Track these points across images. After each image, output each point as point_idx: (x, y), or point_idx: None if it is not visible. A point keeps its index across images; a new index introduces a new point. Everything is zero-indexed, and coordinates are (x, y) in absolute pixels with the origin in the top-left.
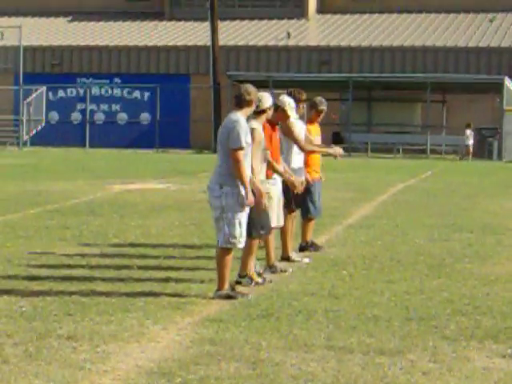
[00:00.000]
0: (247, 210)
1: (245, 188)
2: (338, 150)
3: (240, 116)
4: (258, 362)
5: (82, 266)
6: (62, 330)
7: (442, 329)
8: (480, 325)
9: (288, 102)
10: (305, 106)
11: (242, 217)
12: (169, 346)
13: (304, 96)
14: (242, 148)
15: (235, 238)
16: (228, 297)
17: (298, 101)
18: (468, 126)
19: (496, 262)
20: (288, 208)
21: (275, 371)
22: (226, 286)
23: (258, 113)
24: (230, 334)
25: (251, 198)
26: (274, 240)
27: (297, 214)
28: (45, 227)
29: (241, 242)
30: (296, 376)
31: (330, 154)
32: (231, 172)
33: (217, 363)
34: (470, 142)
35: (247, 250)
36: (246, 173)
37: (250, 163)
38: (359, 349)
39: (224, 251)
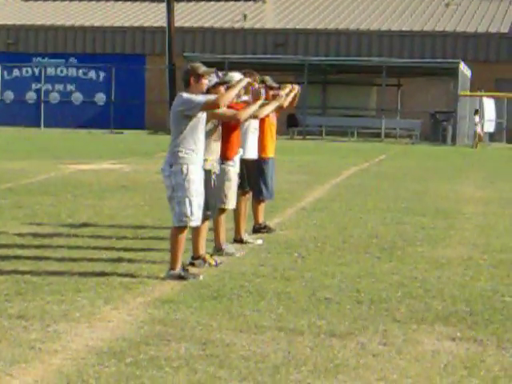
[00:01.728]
0: (200, 189)
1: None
2: (286, 90)
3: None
4: (208, 343)
5: (35, 246)
6: (12, 310)
7: (392, 312)
8: (430, 308)
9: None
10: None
11: (192, 195)
12: (119, 326)
13: (256, 77)
14: (206, 101)
15: (186, 216)
16: (179, 277)
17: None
18: (476, 112)
19: (447, 246)
20: (242, 189)
21: (225, 352)
22: (178, 266)
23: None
24: (181, 315)
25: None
26: (224, 222)
27: (249, 195)
28: None
29: (192, 221)
30: (246, 357)
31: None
32: (179, 151)
33: (167, 343)
34: (479, 128)
35: (196, 231)
36: (229, 93)
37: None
38: (310, 331)
39: (176, 230)
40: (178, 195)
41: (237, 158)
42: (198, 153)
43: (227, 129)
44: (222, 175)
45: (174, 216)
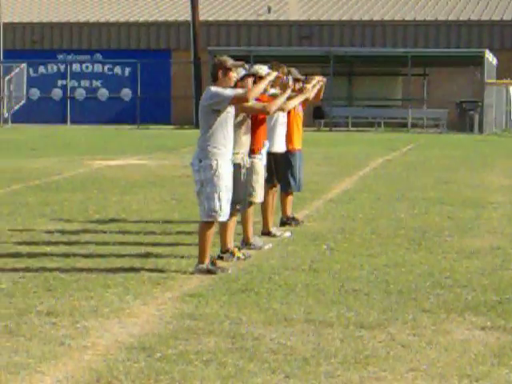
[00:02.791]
0: (229, 184)
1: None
2: (312, 83)
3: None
4: (237, 337)
5: (63, 243)
6: (41, 306)
7: (421, 302)
8: (460, 297)
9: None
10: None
11: (221, 190)
12: (148, 321)
13: (284, 69)
14: (235, 95)
15: (215, 211)
16: (208, 271)
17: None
18: None
19: (476, 235)
20: (269, 182)
21: (255, 345)
22: (207, 260)
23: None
24: (210, 309)
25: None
26: (252, 216)
27: (277, 188)
28: (25, 204)
29: (221, 216)
30: (275, 350)
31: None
32: (209, 145)
33: (196, 338)
34: None
35: (224, 225)
36: (258, 87)
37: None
38: (339, 322)
39: (205, 225)
40: (207, 190)
41: (264, 151)
42: (228, 147)
43: (253, 122)
44: (250, 169)
45: (203, 211)
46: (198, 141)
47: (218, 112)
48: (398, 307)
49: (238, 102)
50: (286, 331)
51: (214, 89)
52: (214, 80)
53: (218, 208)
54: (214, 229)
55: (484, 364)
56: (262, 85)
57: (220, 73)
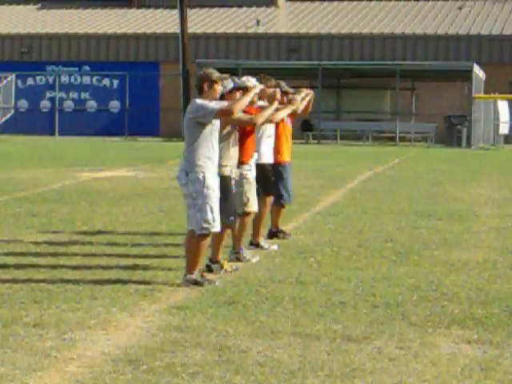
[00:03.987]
0: (217, 194)
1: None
2: (301, 95)
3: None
4: (224, 349)
5: (50, 254)
6: (28, 318)
7: (408, 315)
8: (447, 311)
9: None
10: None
11: (213, 201)
12: (135, 333)
13: (272, 82)
14: (220, 109)
15: (209, 223)
16: (196, 283)
17: (266, 87)
18: None
19: (463, 249)
20: (264, 193)
21: (241, 358)
22: (196, 271)
23: (221, 98)
24: (197, 321)
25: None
26: (248, 226)
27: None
28: (12, 215)
29: (214, 227)
30: (262, 363)
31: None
32: (195, 158)
33: (183, 350)
34: None
35: (217, 236)
36: (243, 100)
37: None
38: (326, 335)
39: (199, 237)
40: (199, 203)
41: (252, 162)
42: (213, 160)
43: (242, 133)
44: (241, 179)
45: (196, 223)
46: (183, 153)
47: (203, 125)
48: (385, 320)
49: (224, 114)
50: (273, 344)
51: (199, 101)
52: (200, 92)
53: (211, 219)
54: (209, 240)
55: (470, 378)
56: (247, 98)
57: (205, 85)
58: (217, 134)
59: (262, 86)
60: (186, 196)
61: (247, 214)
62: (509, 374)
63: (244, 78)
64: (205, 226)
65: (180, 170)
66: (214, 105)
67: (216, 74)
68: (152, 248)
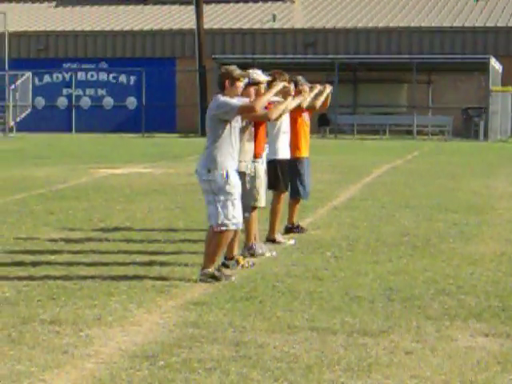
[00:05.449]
0: (239, 190)
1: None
2: (314, 91)
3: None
4: (241, 344)
5: (67, 251)
6: (45, 315)
7: (425, 309)
8: (463, 304)
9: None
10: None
11: (235, 198)
12: (152, 330)
13: (286, 77)
14: (242, 106)
15: (229, 219)
16: (213, 277)
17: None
18: None
19: (480, 242)
20: (278, 189)
21: (258, 353)
22: (212, 266)
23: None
24: (214, 317)
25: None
26: (256, 221)
27: (285, 195)
28: (30, 212)
29: (235, 224)
30: (279, 358)
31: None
32: (217, 155)
33: (200, 346)
34: None
35: (232, 233)
36: (264, 97)
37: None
38: (342, 330)
39: (219, 233)
40: (221, 199)
41: (264, 155)
42: (235, 156)
43: (254, 127)
44: (254, 173)
45: (216, 219)
46: (205, 150)
47: (225, 122)
48: (402, 314)
49: (246, 111)
50: (290, 339)
51: (221, 98)
52: (221, 89)
53: (232, 216)
54: (230, 236)
55: (487, 371)
56: (270, 94)
57: (227, 82)
58: (238, 130)
59: (284, 83)
60: (207, 192)
61: (254, 208)
62: None
63: (251, 71)
64: (225, 222)
65: (201, 166)
66: (236, 102)
67: (237, 72)
68: (169, 244)
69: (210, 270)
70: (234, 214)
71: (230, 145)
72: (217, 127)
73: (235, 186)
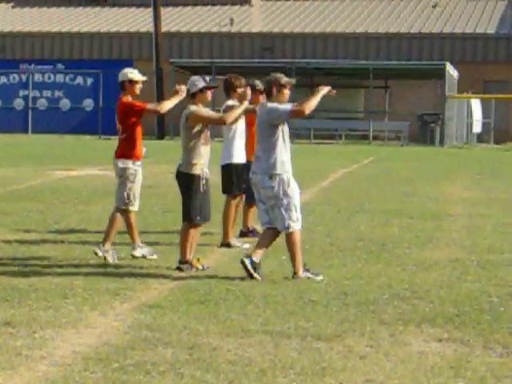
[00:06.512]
0: (297, 194)
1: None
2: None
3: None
4: (195, 348)
5: (22, 253)
6: None
7: (379, 313)
8: (417, 309)
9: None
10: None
11: (296, 200)
12: (106, 332)
13: (242, 82)
14: (292, 110)
15: (294, 221)
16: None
17: (236, 86)
18: None
19: (435, 247)
20: (231, 193)
21: (212, 356)
22: (301, 267)
23: (192, 96)
24: (168, 320)
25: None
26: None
27: (239, 199)
28: None
29: (299, 225)
30: (233, 361)
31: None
32: (276, 161)
33: (154, 348)
34: None
35: (184, 236)
36: (314, 99)
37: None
38: (296, 334)
39: (290, 236)
40: (284, 202)
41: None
42: (288, 159)
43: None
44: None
45: (283, 222)
46: (258, 157)
47: (276, 126)
48: (356, 319)
49: (295, 115)
50: (244, 342)
51: (270, 105)
52: (268, 96)
53: (295, 218)
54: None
55: (440, 376)
56: (317, 98)
57: (274, 89)
58: (287, 134)
59: (328, 88)
60: (270, 198)
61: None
62: (478, 372)
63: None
64: (291, 224)
65: (259, 173)
66: (286, 107)
67: (285, 79)
68: (124, 246)
69: (300, 273)
70: (298, 216)
71: (284, 149)
72: (270, 133)
73: (294, 189)
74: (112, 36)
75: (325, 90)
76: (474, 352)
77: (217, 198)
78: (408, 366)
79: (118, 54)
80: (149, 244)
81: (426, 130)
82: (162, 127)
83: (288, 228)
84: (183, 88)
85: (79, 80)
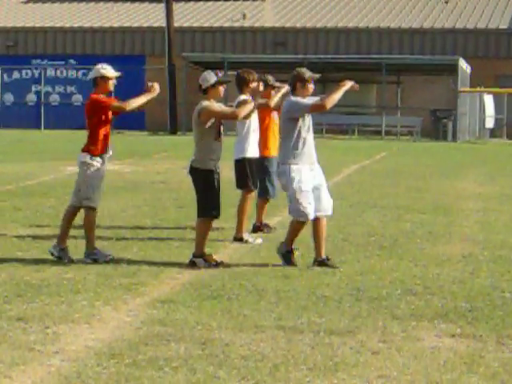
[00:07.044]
0: (305, 186)
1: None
2: (282, 91)
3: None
4: (207, 343)
5: (34, 248)
6: (12, 312)
7: (392, 309)
8: (430, 304)
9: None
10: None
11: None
12: (119, 327)
13: (254, 76)
14: (313, 104)
15: (297, 212)
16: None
17: (248, 81)
18: None
19: (447, 242)
20: (246, 188)
21: (225, 351)
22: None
23: (204, 92)
24: (181, 315)
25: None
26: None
27: (254, 194)
28: None
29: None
30: (246, 356)
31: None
32: (287, 152)
33: (166, 344)
34: None
35: (200, 230)
36: (334, 95)
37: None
38: (309, 329)
39: (298, 224)
40: (290, 193)
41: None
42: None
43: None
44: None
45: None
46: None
47: (296, 120)
48: (369, 314)
49: (316, 110)
50: (256, 337)
51: (293, 99)
52: (293, 90)
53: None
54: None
55: (453, 371)
56: (340, 93)
57: (298, 84)
58: (307, 128)
59: (352, 83)
60: (283, 186)
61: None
62: (491, 368)
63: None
64: (294, 214)
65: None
66: (308, 101)
67: (308, 74)
68: (136, 242)
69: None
70: (302, 208)
71: (301, 142)
72: (288, 126)
73: (304, 182)
74: (124, 31)
75: (348, 85)
76: (487, 347)
77: (230, 192)
78: (421, 361)
79: (131, 49)
80: (161, 240)
81: (439, 125)
82: (175, 122)
83: (298, 217)
84: (155, 85)
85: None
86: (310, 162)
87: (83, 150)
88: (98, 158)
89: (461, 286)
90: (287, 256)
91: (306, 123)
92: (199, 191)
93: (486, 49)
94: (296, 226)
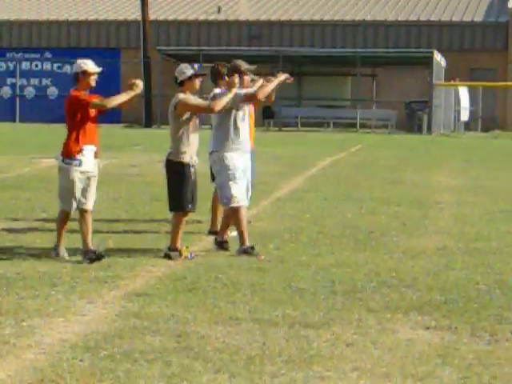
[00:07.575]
0: (239, 173)
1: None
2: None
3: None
4: (183, 336)
5: (9, 241)
6: None
7: (367, 301)
8: (405, 297)
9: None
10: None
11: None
12: (94, 320)
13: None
14: (247, 94)
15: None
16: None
17: (223, 74)
18: None
19: (422, 235)
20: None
21: (200, 344)
22: (246, 242)
23: (180, 84)
24: (156, 308)
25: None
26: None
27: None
28: None
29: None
30: (221, 349)
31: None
32: (214, 139)
33: (142, 337)
34: None
35: (176, 224)
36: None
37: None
38: (284, 322)
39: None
40: (219, 179)
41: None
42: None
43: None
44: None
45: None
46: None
47: (229, 110)
48: (344, 307)
49: (249, 100)
50: (232, 330)
51: (217, 90)
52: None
53: (228, 194)
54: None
55: (428, 363)
56: (273, 85)
57: (234, 75)
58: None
59: (286, 75)
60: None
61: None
62: (466, 360)
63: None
64: (224, 201)
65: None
66: (240, 91)
67: (245, 66)
68: (111, 235)
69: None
70: (233, 194)
71: (233, 132)
72: (222, 116)
73: (231, 168)
74: (100, 24)
75: (282, 77)
76: (462, 340)
77: (205, 186)
78: (395, 353)
79: (106, 42)
80: (136, 233)
81: (414, 117)
82: (150, 115)
83: (224, 204)
84: (138, 83)
85: (67, 68)
86: (243, 151)
87: (62, 153)
88: (70, 161)
89: (435, 278)
90: (220, 245)
91: (240, 113)
92: (172, 184)
93: (460, 41)
94: (229, 214)
